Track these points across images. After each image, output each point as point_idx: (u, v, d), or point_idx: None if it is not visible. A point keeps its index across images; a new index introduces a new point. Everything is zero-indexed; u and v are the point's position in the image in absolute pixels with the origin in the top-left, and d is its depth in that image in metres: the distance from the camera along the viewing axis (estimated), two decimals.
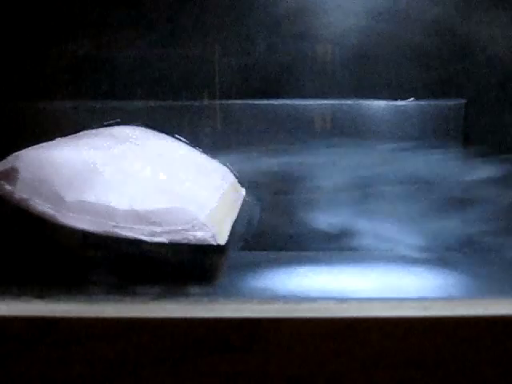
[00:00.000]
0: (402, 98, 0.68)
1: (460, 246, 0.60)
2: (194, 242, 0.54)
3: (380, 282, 0.56)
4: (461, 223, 0.64)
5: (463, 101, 0.68)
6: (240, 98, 0.70)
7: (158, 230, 0.54)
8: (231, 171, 0.67)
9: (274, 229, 0.67)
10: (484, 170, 0.66)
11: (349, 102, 0.68)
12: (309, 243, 0.66)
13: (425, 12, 0.71)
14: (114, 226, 0.54)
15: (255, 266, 0.60)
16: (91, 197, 0.54)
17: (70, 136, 0.65)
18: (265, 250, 0.64)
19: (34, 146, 0.60)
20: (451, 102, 0.68)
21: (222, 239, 0.56)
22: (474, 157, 0.67)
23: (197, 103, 0.70)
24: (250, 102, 0.68)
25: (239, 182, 0.67)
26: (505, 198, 0.65)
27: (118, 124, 0.68)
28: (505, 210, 0.65)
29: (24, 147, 0.59)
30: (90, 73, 0.73)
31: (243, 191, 0.68)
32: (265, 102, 0.68)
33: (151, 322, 0.45)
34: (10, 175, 0.56)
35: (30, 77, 0.73)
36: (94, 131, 0.66)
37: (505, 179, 0.65)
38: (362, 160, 0.67)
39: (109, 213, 0.54)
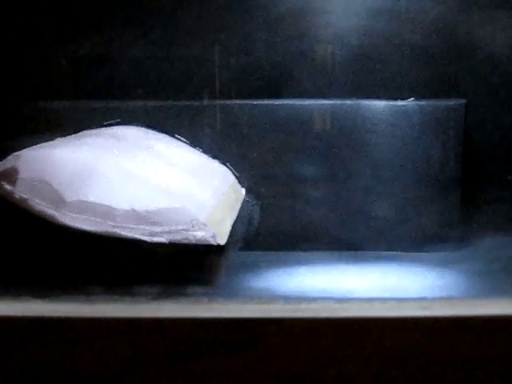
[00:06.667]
0: (402, 98, 0.68)
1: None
2: (194, 241, 0.54)
3: (380, 282, 0.56)
4: None
5: (463, 101, 0.67)
6: (240, 98, 0.70)
7: (158, 229, 0.54)
8: (231, 171, 0.67)
9: (273, 229, 0.67)
10: None
11: (349, 102, 0.68)
12: (309, 243, 0.67)
13: (425, 12, 0.71)
14: (114, 226, 0.54)
15: (255, 266, 0.60)
16: (91, 197, 0.54)
17: (69, 136, 0.65)
18: (265, 250, 0.65)
19: (34, 146, 0.60)
20: (451, 102, 0.68)
21: (222, 239, 0.56)
22: None
23: (197, 103, 0.69)
24: (250, 102, 0.68)
25: (239, 182, 0.67)
26: None
27: (118, 124, 0.68)
28: None
29: (24, 147, 0.59)
30: (89, 73, 0.73)
31: (243, 191, 0.67)
32: (265, 102, 0.68)
33: (151, 322, 0.45)
34: (10, 175, 0.56)
35: (30, 77, 0.73)
36: (94, 131, 0.66)
37: None
38: (360, 161, 0.67)
39: (109, 213, 0.54)
